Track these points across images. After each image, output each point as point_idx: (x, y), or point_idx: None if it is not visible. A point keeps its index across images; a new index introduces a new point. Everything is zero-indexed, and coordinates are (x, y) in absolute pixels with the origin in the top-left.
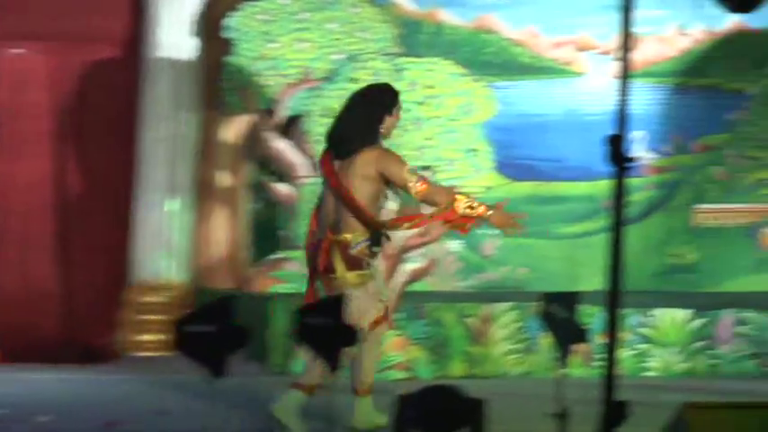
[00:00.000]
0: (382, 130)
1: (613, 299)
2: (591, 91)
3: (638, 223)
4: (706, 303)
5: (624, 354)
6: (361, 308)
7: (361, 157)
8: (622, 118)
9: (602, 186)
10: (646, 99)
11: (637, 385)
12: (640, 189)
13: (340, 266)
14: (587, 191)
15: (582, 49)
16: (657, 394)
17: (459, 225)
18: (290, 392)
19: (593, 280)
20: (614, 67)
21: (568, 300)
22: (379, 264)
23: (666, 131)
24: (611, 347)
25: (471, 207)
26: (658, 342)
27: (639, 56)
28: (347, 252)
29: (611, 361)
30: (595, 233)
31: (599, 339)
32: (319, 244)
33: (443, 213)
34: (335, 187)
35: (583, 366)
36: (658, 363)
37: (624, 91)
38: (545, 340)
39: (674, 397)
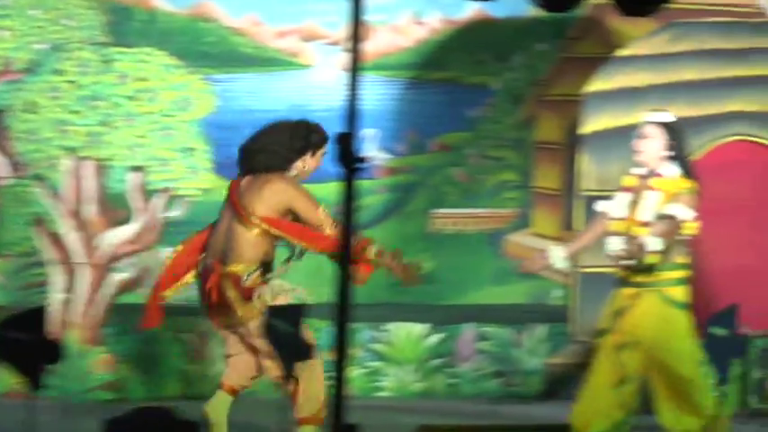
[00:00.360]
0: (298, 167)
1: (342, 312)
2: (318, 85)
3: (370, 229)
4: (445, 317)
5: (355, 372)
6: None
7: (269, 185)
8: (352, 114)
9: (332, 189)
10: (378, 94)
11: (369, 406)
12: (373, 192)
13: (238, 304)
14: (315, 194)
15: (308, 38)
16: (392, 416)
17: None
18: (218, 393)
19: (319, 291)
20: (344, 58)
21: (292, 313)
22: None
23: (401, 129)
24: (339, 365)
25: (380, 254)
26: (392, 359)
27: (371, 46)
28: (240, 286)
29: (339, 380)
30: None
31: (327, 356)
32: (206, 274)
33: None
34: (237, 211)
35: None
36: (392, 382)
37: (354, 85)
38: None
39: (410, 419)
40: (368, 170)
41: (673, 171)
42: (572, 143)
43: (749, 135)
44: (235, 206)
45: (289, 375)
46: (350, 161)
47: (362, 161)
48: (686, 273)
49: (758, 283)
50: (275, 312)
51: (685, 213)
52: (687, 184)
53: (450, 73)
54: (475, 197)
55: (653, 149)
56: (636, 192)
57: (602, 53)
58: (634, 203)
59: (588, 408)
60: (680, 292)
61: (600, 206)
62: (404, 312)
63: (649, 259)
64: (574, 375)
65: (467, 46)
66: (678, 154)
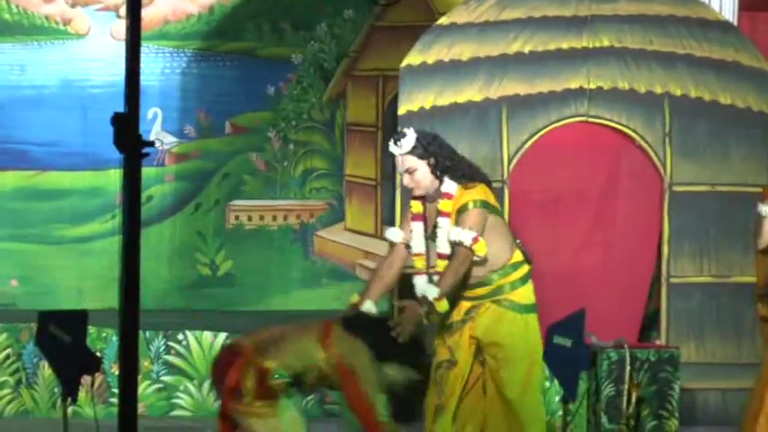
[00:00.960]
0: None
1: (129, 319)
2: (93, 57)
3: (158, 225)
4: (246, 325)
5: (147, 388)
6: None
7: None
8: (133, 91)
9: (112, 177)
10: (162, 67)
11: (165, 427)
12: (159, 181)
13: (249, 395)
14: (92, 183)
15: (79, 3)
16: None
17: None
18: None
19: (103, 295)
20: (121, 26)
21: (73, 320)
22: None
23: (190, 108)
24: (127, 380)
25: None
26: (189, 373)
27: (152, 13)
28: (263, 382)
29: (128, 397)
30: (104, 236)
31: (114, 369)
32: (233, 356)
33: None
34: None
35: (94, 404)
36: (191, 399)
37: (134, 57)
38: (45, 371)
39: None
40: (154, 156)
41: (451, 186)
42: (388, 125)
43: (591, 116)
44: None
45: (71, 392)
46: (131, 145)
47: (146, 145)
48: (524, 270)
49: (605, 286)
50: (53, 319)
51: (468, 237)
52: (468, 195)
53: (244, 44)
54: (278, 187)
55: (423, 178)
56: (428, 219)
57: (418, 21)
58: (434, 231)
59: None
60: (522, 295)
61: (392, 235)
62: (201, 320)
63: (441, 307)
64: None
65: (263, 13)
66: (445, 166)
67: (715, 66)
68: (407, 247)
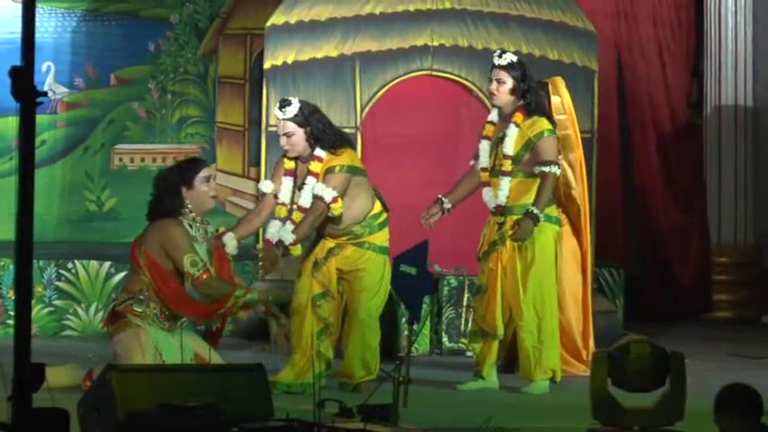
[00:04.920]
0: (188, 203)
1: (23, 250)
2: None
3: (50, 166)
4: (127, 255)
5: (40, 311)
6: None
7: (153, 229)
8: (28, 47)
9: (10, 124)
10: (55, 26)
11: (56, 346)
12: (52, 127)
13: (108, 328)
14: None
15: None
16: (77, 355)
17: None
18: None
19: (1, 229)
20: None
21: None
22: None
23: (79, 63)
24: (22, 304)
25: (249, 304)
26: (78, 298)
27: None
28: (113, 312)
29: (22, 319)
30: (2, 176)
31: (10, 294)
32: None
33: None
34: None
35: None
36: (79, 321)
37: (30, 17)
38: None
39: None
40: (46, 104)
41: (322, 153)
42: (255, 78)
43: (434, 70)
44: (133, 245)
45: None
46: (27, 95)
47: (40, 95)
48: (382, 219)
49: (447, 220)
50: None
51: (329, 195)
52: (336, 161)
53: (127, 5)
54: (157, 132)
55: (298, 142)
56: (298, 176)
57: None
58: (297, 188)
59: (299, 363)
60: (380, 238)
61: (264, 186)
62: (88, 250)
63: (295, 251)
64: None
65: None
66: (318, 135)
67: (544, 26)
68: (275, 197)
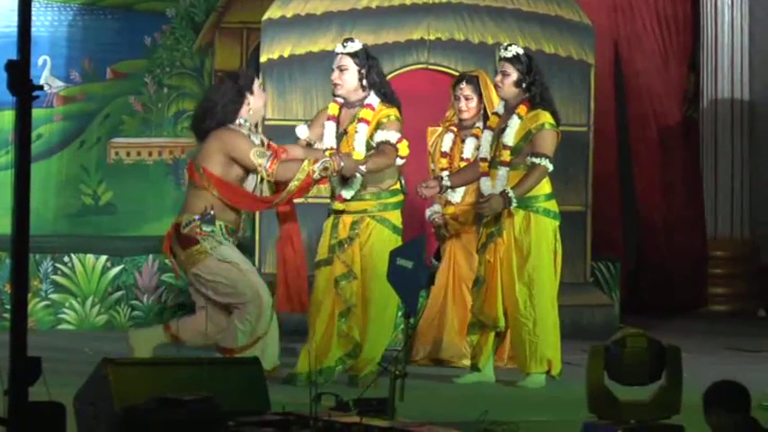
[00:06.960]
0: (244, 112)
1: (20, 243)
2: None
3: (46, 160)
4: (126, 249)
5: (36, 305)
6: (219, 279)
7: (210, 139)
8: (25, 41)
9: (6, 117)
10: (51, 20)
11: (52, 339)
12: (48, 121)
13: (177, 248)
14: None
15: None
16: (74, 348)
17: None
18: (156, 327)
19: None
20: None
21: None
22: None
23: (75, 56)
24: (19, 297)
25: (326, 168)
26: (74, 291)
27: None
28: (179, 232)
29: (19, 312)
30: None
31: (7, 288)
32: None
33: (303, 182)
34: (188, 169)
35: None
36: (75, 314)
37: (26, 11)
38: None
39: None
40: (42, 98)
41: (374, 100)
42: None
43: (431, 64)
44: (189, 165)
45: None
46: (23, 89)
47: (36, 89)
48: (400, 198)
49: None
50: None
51: (394, 137)
52: (390, 110)
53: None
54: (153, 126)
55: (350, 80)
56: (341, 122)
57: None
58: (344, 133)
59: (319, 344)
60: (396, 217)
61: (299, 131)
62: (84, 244)
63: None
64: None
65: None
66: (374, 81)
67: (540, 19)
68: (309, 144)
